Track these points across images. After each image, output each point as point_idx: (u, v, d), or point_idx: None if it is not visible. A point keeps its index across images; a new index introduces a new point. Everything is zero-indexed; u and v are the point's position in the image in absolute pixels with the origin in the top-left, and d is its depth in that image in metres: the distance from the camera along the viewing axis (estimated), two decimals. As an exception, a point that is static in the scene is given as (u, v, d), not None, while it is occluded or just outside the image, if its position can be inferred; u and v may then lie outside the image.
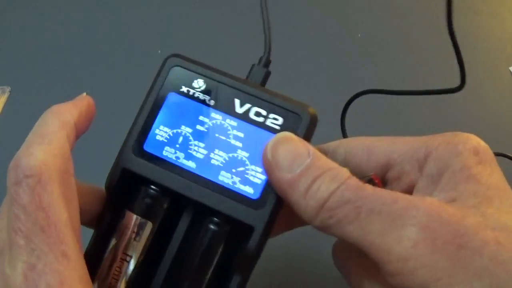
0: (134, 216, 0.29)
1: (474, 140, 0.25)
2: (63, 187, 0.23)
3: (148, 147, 0.29)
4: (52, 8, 0.62)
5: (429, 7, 0.58)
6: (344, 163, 0.30)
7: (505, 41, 0.56)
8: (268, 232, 0.28)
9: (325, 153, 0.30)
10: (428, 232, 0.22)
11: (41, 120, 0.25)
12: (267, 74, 0.31)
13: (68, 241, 0.22)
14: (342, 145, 0.30)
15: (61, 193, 0.23)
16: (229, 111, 0.29)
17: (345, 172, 0.25)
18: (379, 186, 0.28)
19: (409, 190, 0.27)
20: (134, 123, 0.29)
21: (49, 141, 0.23)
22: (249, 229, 0.28)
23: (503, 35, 0.57)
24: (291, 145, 0.26)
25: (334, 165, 0.26)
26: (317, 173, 0.25)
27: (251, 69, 0.32)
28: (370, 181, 0.28)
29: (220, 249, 0.29)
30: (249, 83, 0.30)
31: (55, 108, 0.25)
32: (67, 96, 0.52)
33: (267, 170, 0.27)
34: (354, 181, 0.24)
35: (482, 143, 0.26)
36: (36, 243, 0.21)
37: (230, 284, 0.29)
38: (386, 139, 0.29)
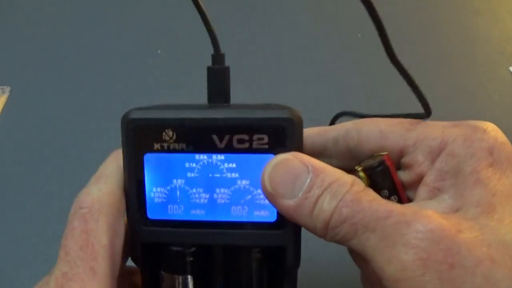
0: (175, 277, 0.29)
1: (492, 137, 0.24)
2: (111, 219, 0.26)
3: (152, 214, 0.28)
4: (52, 8, 0.62)
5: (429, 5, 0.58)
6: (356, 148, 0.28)
7: (504, 41, 0.57)
8: (299, 244, 0.28)
9: (337, 137, 0.29)
10: (418, 253, 0.21)
11: (104, 162, 0.28)
12: (226, 74, 0.29)
13: (100, 260, 0.25)
14: (355, 127, 0.29)
15: (108, 224, 0.26)
16: (212, 149, 0.27)
17: (345, 182, 0.24)
18: (390, 169, 0.27)
19: (419, 181, 0.26)
20: (127, 198, 0.28)
21: (105, 181, 0.27)
22: (282, 248, 0.28)
23: (503, 35, 0.57)
24: (287, 168, 0.25)
25: (335, 175, 0.25)
26: (319, 192, 0.25)
27: (208, 76, 0.29)
28: (381, 163, 0.27)
29: (262, 274, 0.29)
30: (217, 109, 0.27)
31: (117, 152, 0.28)
32: (67, 96, 0.54)
33: (270, 200, 0.26)
34: (353, 193, 0.24)
35: (500, 138, 0.24)
36: (72, 257, 0.25)
37: None
38: (402, 124, 0.27)
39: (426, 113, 0.28)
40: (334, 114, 0.38)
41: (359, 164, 0.28)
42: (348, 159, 0.29)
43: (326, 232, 0.25)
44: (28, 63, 0.57)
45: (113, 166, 0.28)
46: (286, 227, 0.27)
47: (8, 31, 0.60)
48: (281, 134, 0.26)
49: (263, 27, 0.59)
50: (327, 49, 0.57)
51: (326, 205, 0.24)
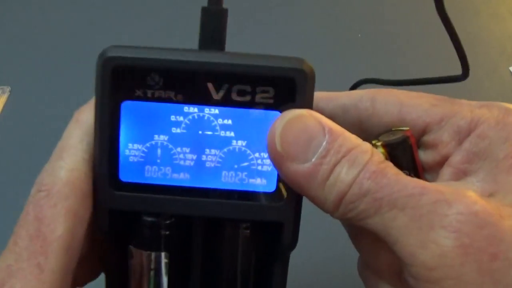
0: (145, 253, 0.24)
1: None
2: (72, 203, 0.22)
3: (125, 176, 0.23)
4: (52, 8, 0.62)
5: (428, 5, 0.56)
6: (369, 120, 0.25)
7: (505, 41, 0.57)
8: (298, 220, 0.24)
9: (348, 105, 0.25)
10: (460, 238, 0.20)
11: (67, 128, 0.24)
12: (223, 17, 0.24)
13: (50, 255, 0.22)
14: (370, 96, 0.25)
15: (68, 209, 0.22)
16: (205, 100, 0.23)
17: (366, 150, 0.21)
18: (413, 147, 0.24)
19: (443, 162, 0.24)
20: (97, 153, 0.23)
21: (68, 155, 0.23)
22: (278, 224, 0.24)
23: (503, 35, 0.57)
24: (303, 126, 0.22)
25: (354, 141, 0.22)
26: (336, 158, 0.21)
27: (202, 18, 0.24)
28: (405, 140, 0.24)
29: (250, 255, 0.25)
30: (214, 53, 0.23)
31: (78, 116, 0.24)
32: (67, 96, 0.52)
33: (276, 163, 0.22)
34: (375, 164, 0.21)
35: None
36: (20, 247, 0.22)
37: (272, 282, 0.25)
38: (424, 98, 0.25)
39: (464, 73, 0.25)
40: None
41: (376, 139, 0.25)
42: (357, 132, 0.26)
43: (337, 207, 0.21)
44: (28, 63, 0.57)
45: (77, 134, 0.24)
46: (286, 199, 0.23)
47: (8, 31, 0.60)
48: (290, 88, 0.22)
49: (263, 27, 0.59)
50: (327, 49, 0.56)
51: (344, 175, 0.21)
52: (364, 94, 0.26)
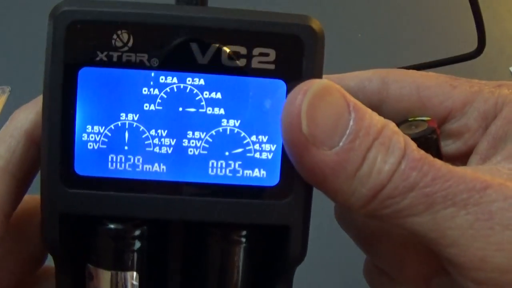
0: (108, 273, 0.19)
1: None
2: None
3: (82, 168, 0.18)
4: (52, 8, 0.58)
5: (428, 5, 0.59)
6: (382, 105, 0.22)
7: (505, 41, 0.57)
8: (308, 223, 0.19)
9: (355, 88, 0.22)
10: None
11: None
12: None
13: None
14: (381, 78, 0.22)
15: None
16: (187, 65, 0.18)
17: (397, 131, 0.18)
18: (439, 141, 0.21)
19: (469, 153, 0.22)
20: (44, 138, 0.18)
21: None
22: (283, 228, 0.19)
23: (503, 35, 0.57)
24: (331, 101, 0.17)
25: (382, 119, 0.18)
26: (368, 142, 0.17)
27: None
28: (433, 132, 0.21)
29: (246, 272, 0.20)
30: (199, 7, 0.18)
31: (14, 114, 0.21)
32: None
33: (298, 150, 0.17)
34: (416, 150, 0.18)
35: None
36: None
37: None
38: (442, 78, 0.22)
39: (479, 47, 0.22)
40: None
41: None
42: None
43: (370, 202, 0.18)
44: (28, 63, 0.53)
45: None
46: (291, 196, 0.18)
47: (8, 31, 0.58)
48: (295, 50, 0.18)
49: None
50: (327, 49, 0.54)
51: (381, 162, 0.17)
52: (372, 75, 0.22)
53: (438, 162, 0.18)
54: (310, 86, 0.17)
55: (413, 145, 0.18)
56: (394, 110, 0.22)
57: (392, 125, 0.18)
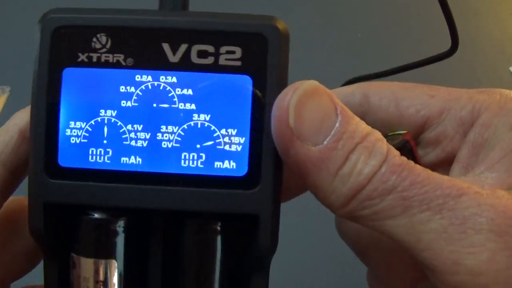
0: (90, 260, 0.20)
1: None
2: None
3: (64, 160, 0.19)
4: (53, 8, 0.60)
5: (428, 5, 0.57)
6: (363, 118, 0.22)
7: (505, 41, 0.57)
8: (278, 213, 0.20)
9: None
10: (506, 241, 0.18)
11: None
12: None
13: None
14: (361, 91, 0.23)
15: None
16: (160, 64, 0.19)
17: (381, 138, 0.19)
18: (414, 150, 0.22)
19: (449, 159, 0.22)
20: (32, 132, 0.19)
21: None
22: (253, 217, 0.19)
23: (503, 36, 0.57)
24: (319, 101, 0.19)
25: (367, 127, 0.19)
26: (351, 144, 0.18)
27: None
28: (406, 144, 0.22)
29: (224, 261, 0.20)
30: (171, 12, 0.20)
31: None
32: None
33: (284, 141, 0.19)
34: (398, 156, 0.19)
35: None
36: None
37: None
38: (419, 88, 0.23)
39: (452, 47, 0.22)
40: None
41: None
42: None
43: (348, 202, 0.19)
44: (28, 63, 0.54)
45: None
46: (260, 186, 0.19)
47: (8, 31, 0.58)
48: (260, 48, 0.19)
49: None
50: (327, 49, 0.55)
51: (363, 164, 0.18)
52: (355, 89, 0.23)
53: (418, 168, 0.19)
54: (301, 84, 0.19)
55: (395, 152, 0.19)
56: (376, 121, 0.22)
57: (377, 133, 0.19)
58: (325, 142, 0.18)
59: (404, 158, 0.19)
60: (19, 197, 0.22)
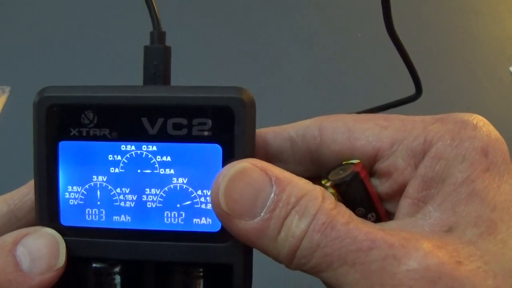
0: None
1: (485, 134, 0.21)
2: None
3: (66, 220, 0.22)
4: (53, 8, 0.61)
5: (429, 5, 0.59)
6: (318, 150, 0.23)
7: (504, 41, 0.56)
8: (250, 261, 0.22)
9: (294, 136, 0.24)
10: None
11: None
12: (167, 53, 0.24)
13: None
14: (317, 124, 0.23)
15: None
16: (140, 136, 0.22)
17: (316, 197, 0.20)
18: (365, 181, 0.22)
19: (401, 190, 0.22)
20: (37, 197, 0.22)
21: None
22: (228, 266, 0.22)
23: (503, 35, 0.57)
24: (247, 180, 0.20)
25: (303, 187, 0.20)
26: (285, 210, 0.20)
27: (145, 56, 0.24)
28: (355, 176, 0.22)
29: None
30: (150, 88, 0.22)
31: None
32: None
33: (223, 222, 0.21)
34: (325, 213, 0.20)
35: (493, 134, 0.21)
36: None
37: None
38: (374, 120, 0.23)
39: (416, 92, 0.23)
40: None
41: (326, 178, 0.23)
42: (308, 164, 0.24)
43: (291, 261, 0.20)
44: (28, 63, 0.57)
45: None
46: (233, 239, 0.22)
47: (8, 31, 0.59)
48: (228, 118, 0.21)
49: (263, 27, 0.59)
50: (327, 49, 0.56)
51: (295, 228, 0.20)
52: (311, 123, 0.24)
53: (339, 222, 0.19)
54: (228, 170, 0.20)
55: (327, 207, 0.20)
56: (330, 152, 0.23)
57: (314, 192, 0.20)
58: (262, 214, 0.20)
59: (332, 213, 0.20)
60: None
